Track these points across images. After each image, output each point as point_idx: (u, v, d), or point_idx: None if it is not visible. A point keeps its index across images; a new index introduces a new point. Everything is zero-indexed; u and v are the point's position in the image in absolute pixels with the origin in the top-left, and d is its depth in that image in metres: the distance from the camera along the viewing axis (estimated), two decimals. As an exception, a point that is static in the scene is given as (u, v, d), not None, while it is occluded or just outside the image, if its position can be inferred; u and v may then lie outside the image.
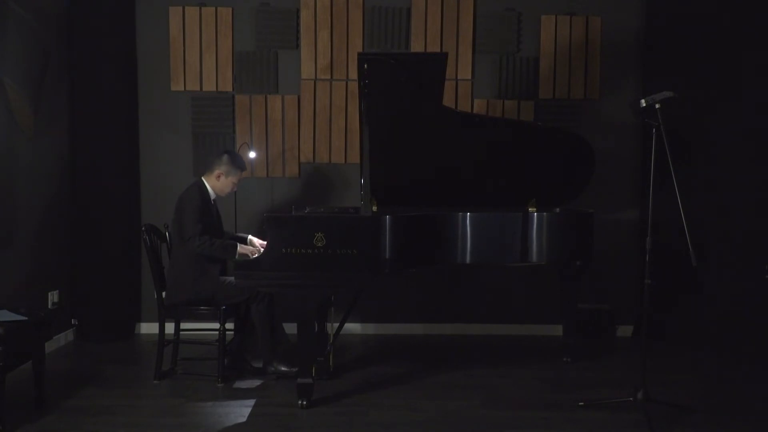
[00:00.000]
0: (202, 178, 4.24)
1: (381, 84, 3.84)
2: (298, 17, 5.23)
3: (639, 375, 3.58)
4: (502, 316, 5.36)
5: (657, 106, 3.45)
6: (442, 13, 5.22)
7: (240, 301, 4.13)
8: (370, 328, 5.37)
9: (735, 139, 4.84)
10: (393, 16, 5.22)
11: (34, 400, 3.64)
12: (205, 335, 4.36)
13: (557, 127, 4.75)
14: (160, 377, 4.14)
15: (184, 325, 4.34)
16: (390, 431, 3.43)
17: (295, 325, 3.73)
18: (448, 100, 4.88)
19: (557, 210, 4.42)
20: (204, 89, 5.26)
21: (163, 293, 4.13)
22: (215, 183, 4.22)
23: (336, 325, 4.30)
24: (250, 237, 4.33)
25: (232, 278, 4.01)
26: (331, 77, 5.25)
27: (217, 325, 4.04)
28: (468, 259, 4.04)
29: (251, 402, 3.81)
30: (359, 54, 4.02)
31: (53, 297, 4.81)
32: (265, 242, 3.79)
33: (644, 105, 3.49)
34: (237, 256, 3.95)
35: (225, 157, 4.21)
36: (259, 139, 5.28)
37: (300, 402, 3.70)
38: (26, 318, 3.52)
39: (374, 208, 4.10)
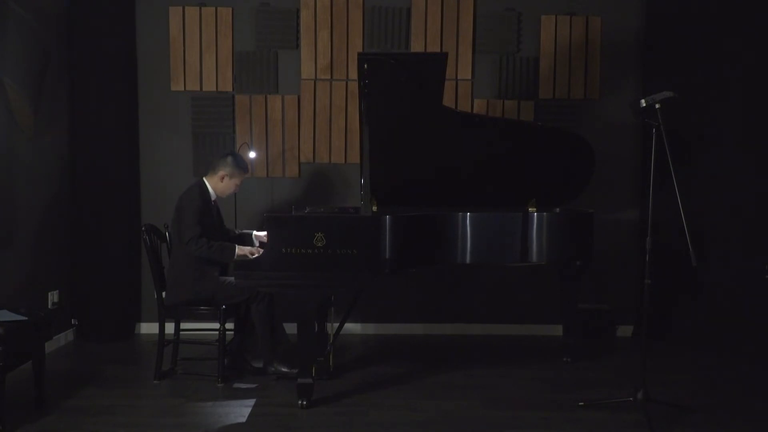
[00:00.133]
0: (204, 179, 4.24)
1: (381, 84, 3.83)
2: (298, 17, 5.23)
3: (639, 375, 3.57)
4: (502, 316, 5.36)
5: (657, 106, 3.45)
6: (442, 13, 5.22)
7: (240, 301, 4.13)
8: (370, 328, 5.37)
9: (735, 139, 4.84)
10: (393, 16, 5.22)
11: (34, 400, 3.64)
12: (205, 335, 4.36)
13: (557, 127, 4.74)
14: (160, 377, 4.14)
15: (184, 325, 4.34)
16: (390, 431, 3.43)
17: (295, 325, 3.73)
18: (448, 100, 4.88)
19: (557, 210, 4.42)
20: (204, 89, 5.26)
21: (163, 293, 4.13)
22: (218, 184, 4.22)
23: (336, 325, 4.30)
24: (254, 232, 4.35)
25: (232, 278, 4.01)
26: (331, 77, 5.25)
27: (217, 325, 4.04)
28: (468, 259, 4.04)
29: (251, 402, 3.81)
30: (359, 54, 4.01)
31: (53, 297, 4.81)
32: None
33: (644, 105, 3.48)
34: (236, 257, 3.95)
35: (230, 159, 4.21)
36: (259, 139, 5.28)
37: (300, 402, 3.70)
38: (26, 318, 3.52)
39: (374, 208, 4.10)
